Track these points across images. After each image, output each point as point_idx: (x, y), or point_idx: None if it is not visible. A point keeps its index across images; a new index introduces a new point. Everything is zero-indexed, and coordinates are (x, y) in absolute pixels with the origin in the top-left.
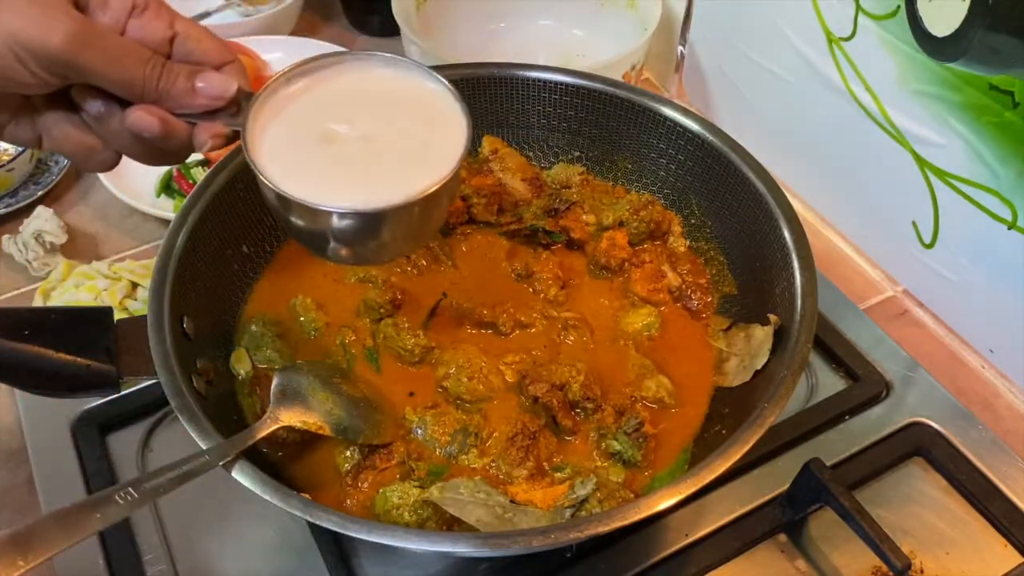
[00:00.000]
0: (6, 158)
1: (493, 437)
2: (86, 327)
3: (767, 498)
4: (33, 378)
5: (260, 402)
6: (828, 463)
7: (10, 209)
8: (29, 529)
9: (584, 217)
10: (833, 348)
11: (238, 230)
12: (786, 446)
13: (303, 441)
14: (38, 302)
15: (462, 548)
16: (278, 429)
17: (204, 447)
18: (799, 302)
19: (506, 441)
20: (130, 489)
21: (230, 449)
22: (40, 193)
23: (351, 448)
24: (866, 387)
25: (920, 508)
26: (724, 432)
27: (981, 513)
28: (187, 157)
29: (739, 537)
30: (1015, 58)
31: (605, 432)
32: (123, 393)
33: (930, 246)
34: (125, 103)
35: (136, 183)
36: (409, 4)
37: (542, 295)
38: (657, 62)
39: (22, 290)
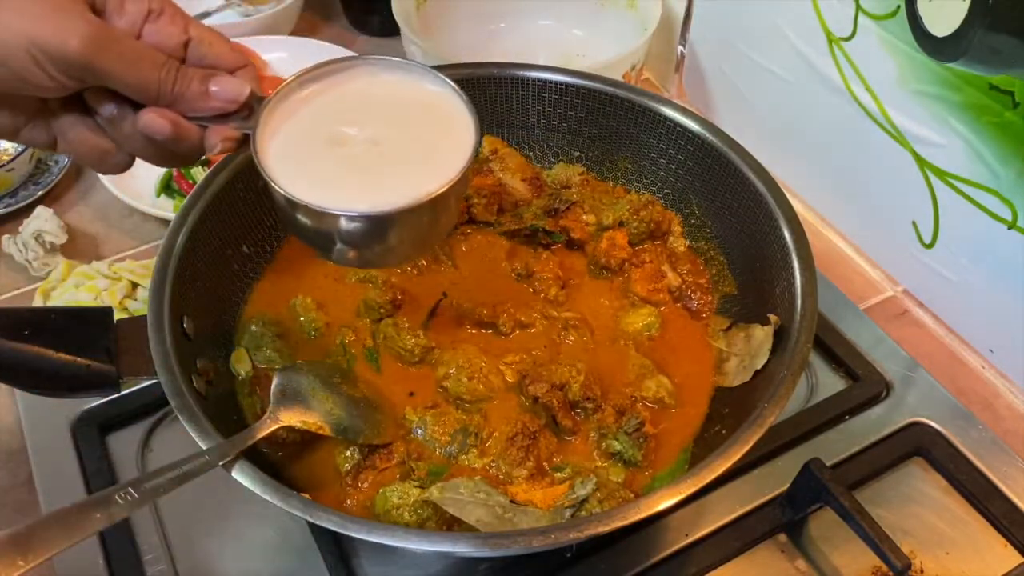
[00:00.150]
0: (6, 158)
1: (493, 437)
2: (86, 327)
3: (767, 498)
4: (33, 378)
5: (260, 402)
6: (828, 463)
7: (10, 209)
8: (29, 529)
9: (584, 217)
10: (833, 348)
11: (238, 230)
12: (786, 446)
13: (303, 441)
14: (38, 302)
15: (462, 548)
16: (278, 429)
17: (204, 447)
18: (799, 302)
19: (506, 441)
20: (130, 489)
21: (230, 449)
22: (40, 193)
23: (351, 448)
24: (866, 387)
25: (920, 508)
26: (724, 432)
27: (981, 513)
28: (198, 159)
29: (739, 537)
30: (1015, 58)
31: (605, 432)
32: (123, 393)
33: (930, 246)
34: (138, 106)
35: (136, 183)
36: (409, 4)
37: (542, 295)
38: (657, 62)
39: (22, 290)
